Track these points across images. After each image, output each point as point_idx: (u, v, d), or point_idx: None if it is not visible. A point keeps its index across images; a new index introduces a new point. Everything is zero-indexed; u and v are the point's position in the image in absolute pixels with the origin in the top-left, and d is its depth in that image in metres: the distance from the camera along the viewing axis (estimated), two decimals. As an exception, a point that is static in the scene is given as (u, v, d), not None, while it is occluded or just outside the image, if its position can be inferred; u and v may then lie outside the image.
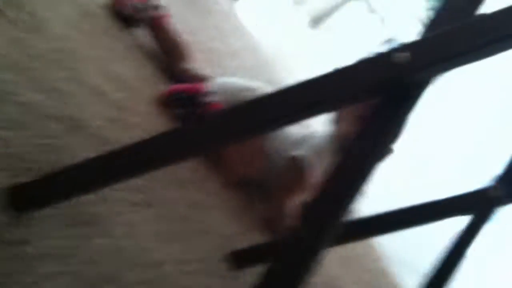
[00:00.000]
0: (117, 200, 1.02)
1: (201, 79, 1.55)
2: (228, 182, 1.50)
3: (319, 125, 1.51)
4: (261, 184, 1.63)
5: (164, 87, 1.49)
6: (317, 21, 6.30)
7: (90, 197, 0.94)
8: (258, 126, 0.71)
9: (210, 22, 2.46)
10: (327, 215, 0.72)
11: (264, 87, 1.48)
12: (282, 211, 1.50)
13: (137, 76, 1.40)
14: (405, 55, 0.60)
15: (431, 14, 0.64)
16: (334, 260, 1.81)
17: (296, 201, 1.54)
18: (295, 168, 1.44)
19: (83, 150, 0.98)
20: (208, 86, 1.49)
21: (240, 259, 1.27)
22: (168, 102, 1.45)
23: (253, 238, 1.42)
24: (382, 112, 0.68)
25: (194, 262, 1.14)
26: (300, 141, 1.52)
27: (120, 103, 1.22)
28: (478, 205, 1.21)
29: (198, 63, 1.71)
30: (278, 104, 0.68)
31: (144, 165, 0.77)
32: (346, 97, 0.67)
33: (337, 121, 1.44)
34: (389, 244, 2.97)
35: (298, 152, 1.46)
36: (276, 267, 0.72)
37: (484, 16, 0.57)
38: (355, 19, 8.20)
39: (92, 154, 0.81)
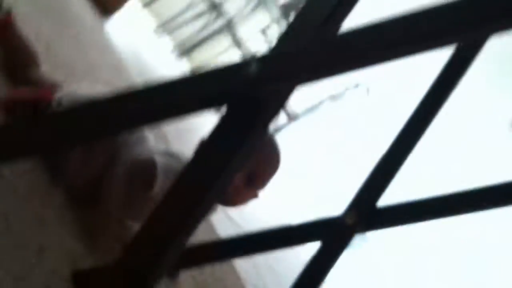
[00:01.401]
0: None
1: (49, 85, 1.45)
2: (72, 189, 1.39)
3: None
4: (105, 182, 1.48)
5: (6, 92, 1.38)
6: (183, 52, 6.27)
7: None
8: (96, 128, 0.66)
9: (69, 32, 2.36)
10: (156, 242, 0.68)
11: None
12: (117, 210, 1.41)
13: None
14: (254, 67, 0.58)
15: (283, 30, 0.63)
16: (191, 286, 1.76)
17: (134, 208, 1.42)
18: (149, 168, 1.32)
19: None
20: (55, 96, 1.40)
21: (82, 281, 1.19)
22: (9, 109, 1.34)
23: (101, 258, 1.34)
24: (225, 125, 0.65)
25: (33, 282, 1.05)
26: (159, 152, 1.42)
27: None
28: (329, 232, 1.22)
29: (46, 70, 1.62)
30: (120, 107, 0.64)
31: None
32: (191, 103, 0.63)
33: None
34: (249, 269, 2.96)
35: (155, 157, 1.35)
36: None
37: (341, 35, 0.56)
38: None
39: None
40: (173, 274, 1.49)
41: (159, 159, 1.33)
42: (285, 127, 7.43)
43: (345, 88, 7.40)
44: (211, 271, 2.13)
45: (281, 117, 6.99)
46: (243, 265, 2.84)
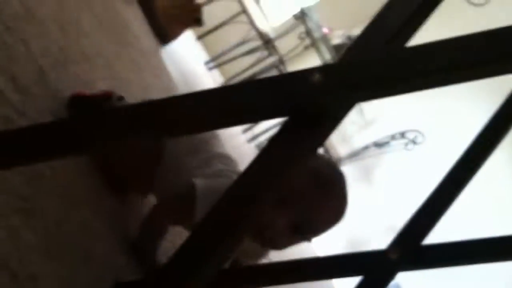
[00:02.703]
0: (1, 202, 0.95)
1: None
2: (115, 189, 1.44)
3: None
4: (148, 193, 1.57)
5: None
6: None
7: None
8: (156, 128, 0.67)
9: (128, 53, 2.43)
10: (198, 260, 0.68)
11: None
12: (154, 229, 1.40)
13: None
14: (318, 76, 0.59)
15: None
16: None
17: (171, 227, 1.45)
18: (188, 197, 1.27)
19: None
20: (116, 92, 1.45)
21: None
22: (71, 106, 1.39)
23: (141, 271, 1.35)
24: (286, 133, 0.66)
25: (78, 285, 1.07)
26: (207, 166, 1.39)
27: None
28: (372, 266, 1.20)
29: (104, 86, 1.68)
30: (182, 108, 0.65)
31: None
32: (249, 111, 0.64)
33: None
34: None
35: (199, 182, 1.30)
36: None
37: (411, 48, 0.56)
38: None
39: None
40: None
41: (201, 184, 1.29)
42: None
43: (391, 136, 7.33)
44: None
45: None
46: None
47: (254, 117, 0.65)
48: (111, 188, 1.42)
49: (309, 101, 0.60)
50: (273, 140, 0.67)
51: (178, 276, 0.68)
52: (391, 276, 1.17)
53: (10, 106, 1.13)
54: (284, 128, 0.66)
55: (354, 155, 7.50)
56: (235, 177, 1.31)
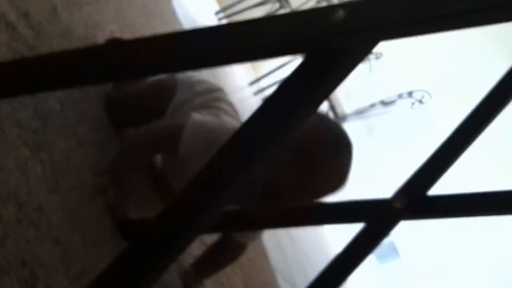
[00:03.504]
0: (12, 134, 0.95)
1: None
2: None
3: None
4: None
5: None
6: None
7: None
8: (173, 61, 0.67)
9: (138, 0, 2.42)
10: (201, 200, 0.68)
11: None
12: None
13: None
14: (341, 12, 0.58)
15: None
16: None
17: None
18: (178, 124, 1.22)
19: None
20: None
21: (126, 230, 1.22)
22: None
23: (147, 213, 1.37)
24: (302, 73, 0.65)
25: (83, 220, 1.08)
26: (211, 106, 1.34)
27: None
28: (375, 214, 1.20)
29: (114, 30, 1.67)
30: (199, 41, 0.64)
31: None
32: (268, 46, 0.63)
33: None
34: (278, 255, 2.99)
35: (195, 115, 1.24)
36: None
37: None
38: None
39: None
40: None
41: (197, 117, 1.25)
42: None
43: (398, 95, 7.31)
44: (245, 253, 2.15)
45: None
46: (273, 251, 2.87)
47: (272, 52, 0.64)
48: (118, 127, 1.41)
49: (329, 39, 0.59)
50: (288, 79, 0.67)
51: (183, 216, 0.68)
52: (393, 224, 1.17)
53: (22, 40, 1.12)
54: (300, 66, 0.65)
55: (360, 112, 7.50)
56: (235, 124, 1.31)
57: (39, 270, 0.86)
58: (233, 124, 1.29)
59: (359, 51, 0.62)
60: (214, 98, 1.40)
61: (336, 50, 0.61)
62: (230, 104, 1.42)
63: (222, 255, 1.47)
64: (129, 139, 1.33)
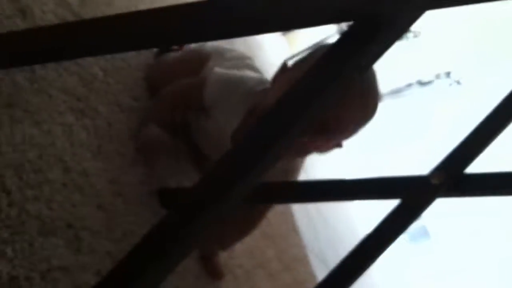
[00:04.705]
0: (58, 100, 0.98)
1: None
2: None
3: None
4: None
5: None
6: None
7: (27, 85, 0.90)
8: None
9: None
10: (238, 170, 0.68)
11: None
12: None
13: None
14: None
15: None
16: (257, 234, 1.80)
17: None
18: (201, 78, 1.28)
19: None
20: None
21: (166, 198, 1.24)
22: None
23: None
24: (346, 42, 0.65)
25: (125, 186, 1.10)
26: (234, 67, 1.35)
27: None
28: (412, 190, 1.20)
29: None
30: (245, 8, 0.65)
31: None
32: (319, 13, 0.63)
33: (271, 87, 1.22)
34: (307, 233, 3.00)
35: (217, 69, 1.29)
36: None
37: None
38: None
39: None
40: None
41: (219, 70, 1.29)
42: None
43: (435, 75, 7.20)
44: (278, 225, 2.18)
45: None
46: (304, 228, 2.89)
47: (319, 20, 0.65)
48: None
49: (375, 7, 0.59)
50: (332, 48, 0.67)
51: (223, 184, 0.69)
52: (430, 201, 1.17)
53: (67, 7, 1.15)
54: (345, 35, 0.66)
55: (396, 92, 7.41)
56: (258, 77, 1.32)
57: (83, 233, 0.89)
58: (255, 76, 1.31)
59: (403, 20, 0.62)
60: (243, 63, 1.41)
61: (381, 18, 0.61)
62: (257, 69, 1.42)
63: (241, 223, 1.45)
64: (160, 95, 1.35)
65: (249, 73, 1.34)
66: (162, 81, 1.39)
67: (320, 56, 0.66)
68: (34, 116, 0.89)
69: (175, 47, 1.59)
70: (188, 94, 1.32)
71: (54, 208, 0.84)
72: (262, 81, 1.29)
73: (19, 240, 0.73)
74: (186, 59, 1.50)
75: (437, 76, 7.23)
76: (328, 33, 5.47)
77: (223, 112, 1.27)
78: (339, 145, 1.18)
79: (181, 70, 1.43)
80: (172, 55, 1.52)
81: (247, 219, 1.42)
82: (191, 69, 1.42)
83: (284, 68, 1.20)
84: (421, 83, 7.29)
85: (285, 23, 0.67)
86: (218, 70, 1.30)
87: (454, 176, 1.17)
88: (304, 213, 3.13)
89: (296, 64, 1.21)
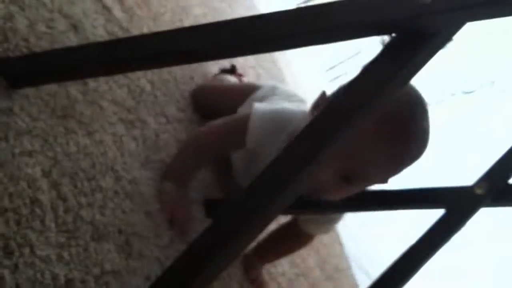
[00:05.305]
0: (109, 111, 1.02)
1: None
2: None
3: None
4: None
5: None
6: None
7: (80, 97, 0.94)
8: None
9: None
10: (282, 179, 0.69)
11: None
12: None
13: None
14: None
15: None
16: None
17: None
18: (243, 117, 1.16)
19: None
20: None
21: (211, 208, 1.26)
22: None
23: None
24: (389, 54, 0.66)
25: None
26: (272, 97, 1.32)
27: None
28: (456, 200, 1.20)
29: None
30: (291, 23, 0.67)
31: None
32: (362, 25, 0.65)
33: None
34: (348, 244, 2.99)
35: (258, 104, 1.19)
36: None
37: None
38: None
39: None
40: None
41: (260, 105, 1.19)
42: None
43: (480, 84, 7.11)
44: (320, 237, 2.18)
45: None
46: (345, 238, 2.89)
47: (362, 32, 0.66)
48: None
49: (417, 19, 0.61)
50: (375, 60, 0.68)
51: (264, 196, 0.71)
52: (474, 211, 1.17)
53: (117, 23, 1.19)
54: (387, 47, 0.67)
55: (440, 101, 7.34)
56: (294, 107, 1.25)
57: (133, 238, 0.92)
58: (293, 108, 1.24)
59: (446, 32, 0.63)
60: (292, 100, 1.37)
61: (424, 30, 0.63)
62: (291, 96, 1.40)
63: (288, 243, 1.43)
64: (193, 137, 1.26)
65: (286, 104, 1.28)
66: (208, 106, 1.43)
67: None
68: (87, 127, 0.93)
69: (237, 72, 1.66)
70: (228, 135, 1.21)
71: (107, 215, 0.87)
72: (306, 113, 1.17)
73: (74, 245, 0.77)
74: (237, 89, 1.53)
75: (481, 85, 7.14)
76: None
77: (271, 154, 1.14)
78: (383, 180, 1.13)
79: (229, 99, 1.43)
80: (229, 78, 1.56)
81: (295, 239, 1.42)
82: (238, 99, 1.40)
83: (323, 96, 1.11)
84: (464, 92, 7.21)
85: (328, 37, 0.69)
86: (258, 106, 1.18)
87: (498, 186, 1.16)
88: (346, 224, 3.13)
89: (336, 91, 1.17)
